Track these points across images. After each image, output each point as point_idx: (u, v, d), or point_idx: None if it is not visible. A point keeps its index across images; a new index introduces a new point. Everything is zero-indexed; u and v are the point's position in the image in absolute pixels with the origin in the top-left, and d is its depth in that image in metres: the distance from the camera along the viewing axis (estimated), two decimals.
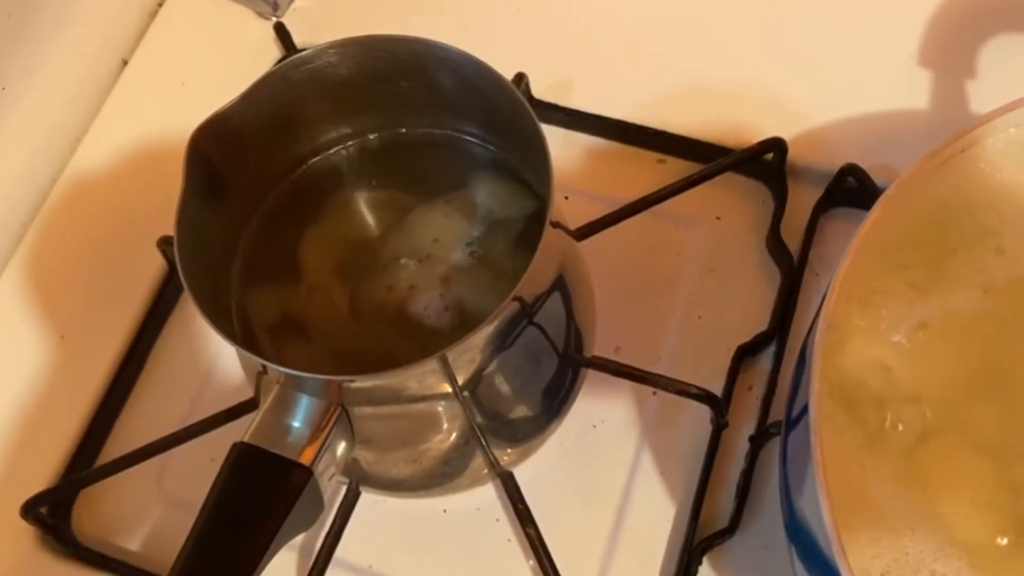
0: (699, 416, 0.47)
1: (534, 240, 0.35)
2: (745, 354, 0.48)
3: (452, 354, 0.34)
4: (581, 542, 0.46)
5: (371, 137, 0.42)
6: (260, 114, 0.37)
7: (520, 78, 0.52)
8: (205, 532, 0.33)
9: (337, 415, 0.34)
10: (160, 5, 0.60)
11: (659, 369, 0.47)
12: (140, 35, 0.59)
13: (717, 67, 0.54)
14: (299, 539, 0.47)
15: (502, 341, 0.36)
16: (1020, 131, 0.38)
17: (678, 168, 0.52)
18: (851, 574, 0.31)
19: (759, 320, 0.49)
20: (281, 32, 0.55)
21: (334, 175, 0.43)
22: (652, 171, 0.53)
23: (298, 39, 0.56)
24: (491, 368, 0.36)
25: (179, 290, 0.53)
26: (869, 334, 0.37)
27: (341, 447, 0.35)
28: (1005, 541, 0.34)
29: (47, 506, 0.48)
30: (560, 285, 0.39)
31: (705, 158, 0.52)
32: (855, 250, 0.35)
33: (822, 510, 0.32)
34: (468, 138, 0.42)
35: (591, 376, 0.46)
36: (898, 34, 0.54)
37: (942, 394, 0.36)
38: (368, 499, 0.46)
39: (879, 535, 0.34)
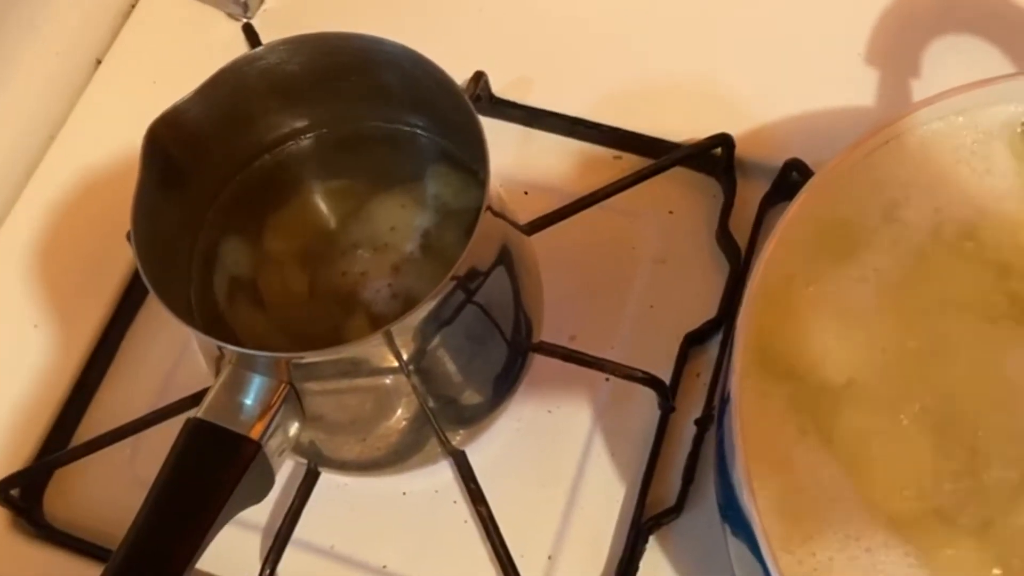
0: (649, 401, 0.48)
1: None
2: (694, 341, 0.50)
3: (396, 330, 0.35)
4: (535, 521, 0.47)
5: (325, 130, 0.44)
6: (216, 108, 0.39)
7: (479, 76, 0.54)
8: (159, 500, 0.35)
9: (285, 392, 0.36)
10: (133, 6, 0.62)
11: (613, 356, 0.48)
12: (114, 35, 0.61)
13: (671, 65, 0.56)
14: (261, 519, 0.48)
15: (444, 319, 0.38)
16: (943, 123, 0.40)
17: (633, 164, 0.54)
18: (767, 541, 0.33)
19: (709, 309, 0.50)
20: (249, 32, 0.57)
21: (292, 166, 0.44)
22: (608, 167, 0.55)
23: (266, 39, 0.58)
24: (434, 345, 0.38)
25: None
26: (796, 313, 0.38)
27: (291, 424, 0.37)
28: (927, 511, 0.36)
29: (19, 488, 0.49)
30: (502, 270, 0.41)
31: (659, 154, 0.53)
32: (779, 236, 0.37)
33: (741, 484, 0.34)
34: (417, 131, 0.44)
35: (548, 364, 0.48)
36: (846, 33, 0.56)
37: (866, 370, 0.38)
38: (330, 482, 0.48)
39: (801, 508, 0.36)
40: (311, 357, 0.35)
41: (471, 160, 0.42)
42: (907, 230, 0.40)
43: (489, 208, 0.37)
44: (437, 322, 0.37)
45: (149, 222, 0.37)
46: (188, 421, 0.36)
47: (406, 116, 0.43)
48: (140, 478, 0.50)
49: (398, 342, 0.36)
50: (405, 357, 0.37)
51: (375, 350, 0.36)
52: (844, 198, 0.39)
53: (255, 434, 0.35)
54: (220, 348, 0.37)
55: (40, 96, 0.58)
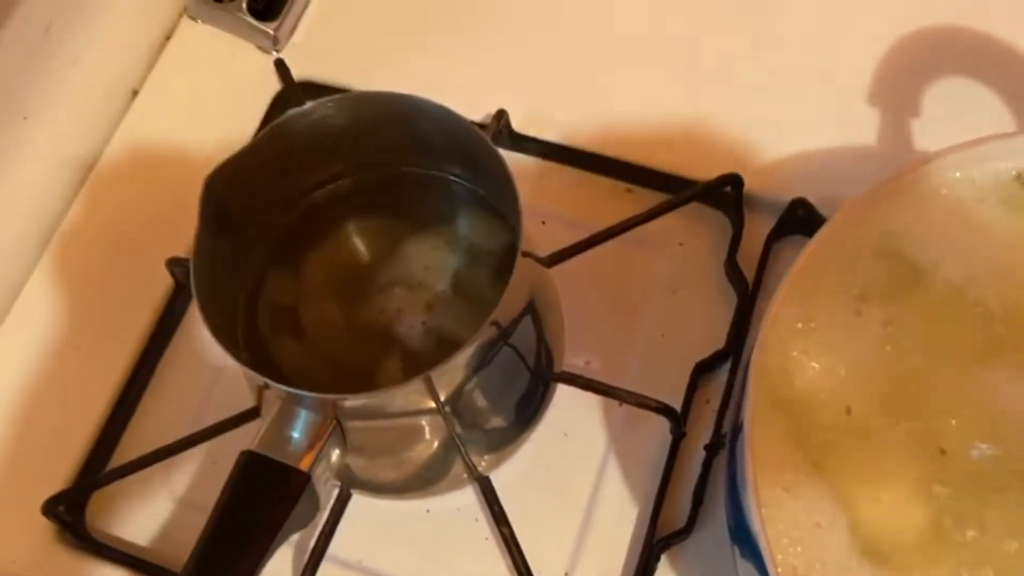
0: (660, 426, 0.50)
1: (508, 270, 0.39)
2: (703, 370, 0.52)
3: (435, 374, 0.38)
4: (551, 540, 0.50)
5: (365, 175, 0.46)
6: (266, 158, 0.41)
7: (501, 115, 0.56)
8: (218, 527, 0.37)
9: (332, 427, 0.39)
10: (168, 38, 0.64)
11: (625, 382, 0.50)
12: (149, 67, 0.63)
13: (682, 104, 0.58)
14: (294, 537, 0.51)
15: (479, 361, 0.40)
16: (941, 177, 0.43)
17: (645, 197, 0.56)
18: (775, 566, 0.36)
19: (717, 338, 0.52)
20: (281, 67, 0.59)
21: (334, 208, 0.47)
22: (621, 199, 0.57)
23: (296, 72, 0.60)
24: (470, 386, 0.41)
25: (185, 306, 0.57)
26: (805, 355, 0.41)
27: (335, 455, 0.40)
28: (919, 537, 0.38)
29: (64, 504, 0.51)
30: (531, 309, 0.43)
31: (670, 189, 0.55)
32: (788, 284, 0.40)
33: (752, 513, 0.36)
34: (450, 176, 0.46)
35: (563, 390, 0.50)
36: (848, 75, 0.58)
37: (863, 404, 0.40)
38: (358, 500, 0.50)
39: (802, 533, 0.38)
40: (356, 400, 0.38)
41: (500, 204, 0.45)
42: (905, 275, 0.42)
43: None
44: (473, 364, 0.40)
45: (205, 266, 0.40)
46: (242, 453, 0.39)
47: (440, 163, 0.46)
48: (177, 495, 0.53)
49: (436, 384, 0.39)
50: (442, 398, 0.40)
51: (414, 391, 0.39)
52: (846, 246, 0.42)
53: (304, 465, 0.38)
54: (268, 384, 0.39)
55: (81, 125, 0.60)
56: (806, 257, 0.41)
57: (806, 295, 0.42)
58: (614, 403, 0.52)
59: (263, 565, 0.38)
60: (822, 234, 0.41)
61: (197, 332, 0.56)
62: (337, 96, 0.42)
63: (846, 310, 0.41)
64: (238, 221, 0.42)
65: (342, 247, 0.47)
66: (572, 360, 0.52)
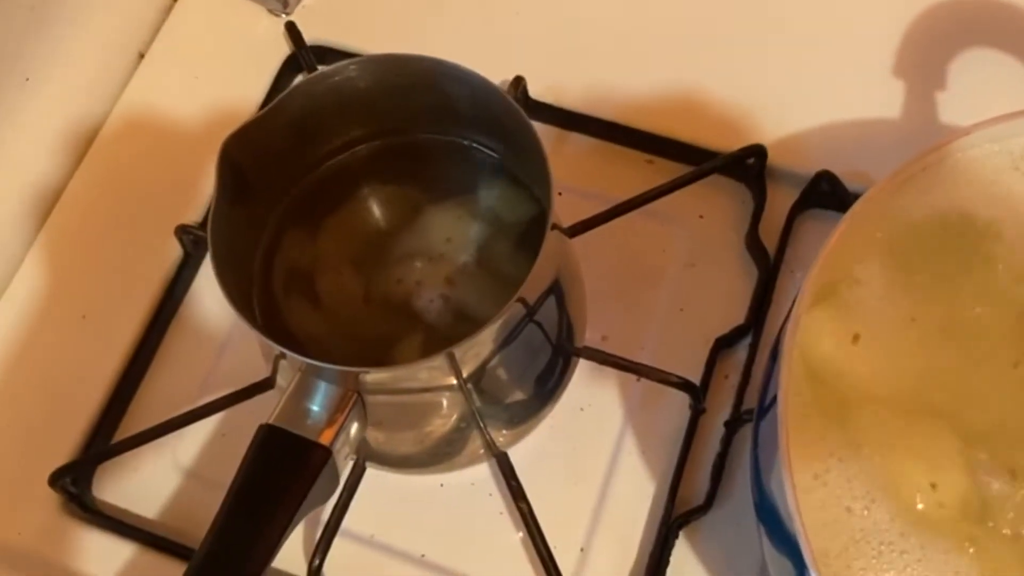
0: (678, 402, 0.50)
1: (535, 242, 0.38)
2: (722, 345, 0.51)
3: (458, 351, 0.37)
4: (568, 516, 0.49)
5: (386, 141, 0.45)
6: (285, 123, 0.40)
7: (519, 81, 0.55)
8: (236, 503, 0.36)
9: (354, 401, 0.37)
10: (175, 0, 0.62)
11: (643, 357, 0.50)
12: (156, 29, 0.61)
13: (704, 74, 0.57)
14: None
15: (504, 338, 0.39)
16: (979, 150, 0.42)
17: (665, 168, 0.55)
18: (811, 550, 0.35)
19: (737, 313, 0.52)
20: (292, 31, 0.58)
21: (351, 175, 0.46)
22: (640, 170, 0.56)
23: (307, 35, 0.59)
24: (493, 362, 0.40)
25: (192, 276, 0.56)
26: (838, 331, 0.40)
27: (354, 429, 0.39)
28: (959, 513, 0.37)
29: (71, 476, 0.50)
30: (557, 283, 0.42)
31: (690, 160, 0.55)
32: (824, 257, 0.39)
33: (786, 493, 0.35)
34: (474, 144, 0.45)
35: (580, 363, 0.49)
36: (873, 46, 0.57)
37: (900, 386, 0.39)
38: (370, 474, 0.49)
39: (832, 514, 0.37)
40: (380, 373, 0.37)
41: (525, 175, 0.44)
42: (940, 249, 0.41)
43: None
44: (497, 339, 0.39)
45: (221, 235, 0.38)
46: (261, 427, 0.37)
47: (464, 131, 0.45)
48: (183, 467, 0.52)
49: (459, 359, 0.38)
50: (465, 373, 0.39)
51: (436, 366, 0.38)
52: (882, 220, 0.41)
53: (325, 440, 0.37)
54: (286, 354, 0.38)
55: (86, 89, 0.59)
56: (841, 231, 0.40)
57: (839, 269, 0.41)
58: (631, 378, 0.51)
59: (283, 543, 0.37)
60: (857, 207, 0.40)
61: (204, 302, 0.55)
62: (361, 58, 0.40)
63: (881, 286, 0.40)
64: (255, 187, 0.41)
65: (361, 215, 0.46)
66: (589, 334, 0.51)
